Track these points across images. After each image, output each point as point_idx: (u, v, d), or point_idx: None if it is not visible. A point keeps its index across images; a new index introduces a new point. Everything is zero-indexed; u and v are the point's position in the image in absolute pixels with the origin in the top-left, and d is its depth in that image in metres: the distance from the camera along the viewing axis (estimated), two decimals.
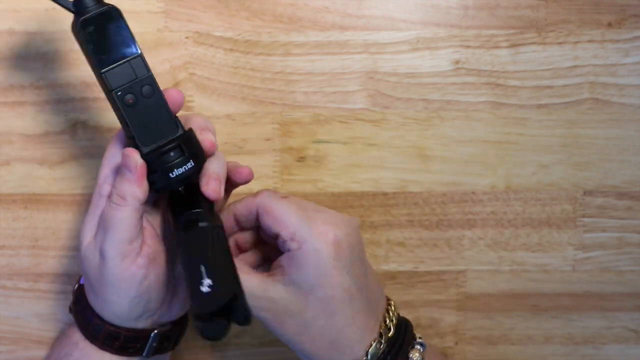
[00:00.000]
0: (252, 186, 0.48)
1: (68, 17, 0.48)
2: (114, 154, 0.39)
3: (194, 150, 0.38)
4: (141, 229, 0.39)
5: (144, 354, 0.42)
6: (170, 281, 0.41)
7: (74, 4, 0.37)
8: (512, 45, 0.49)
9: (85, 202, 0.49)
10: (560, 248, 0.51)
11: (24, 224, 0.49)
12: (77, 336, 0.42)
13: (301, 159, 0.50)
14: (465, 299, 0.51)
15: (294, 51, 0.48)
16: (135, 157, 0.37)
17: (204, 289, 0.34)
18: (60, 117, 0.48)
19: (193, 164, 0.38)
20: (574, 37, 0.49)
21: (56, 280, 0.50)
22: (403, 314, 0.49)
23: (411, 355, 0.40)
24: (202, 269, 0.34)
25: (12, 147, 0.48)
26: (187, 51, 0.48)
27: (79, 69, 0.48)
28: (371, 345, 0.39)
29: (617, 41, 0.49)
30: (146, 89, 0.38)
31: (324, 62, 0.48)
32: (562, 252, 0.51)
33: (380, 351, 0.39)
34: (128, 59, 0.37)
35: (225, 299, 0.34)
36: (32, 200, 0.49)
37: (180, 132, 0.38)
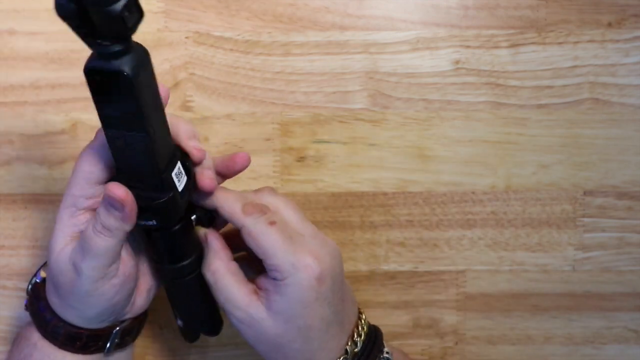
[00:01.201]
0: (253, 186, 0.49)
1: None
2: (90, 162, 0.37)
3: (166, 217, 0.37)
4: (121, 250, 0.38)
5: (105, 351, 0.42)
6: (136, 281, 0.41)
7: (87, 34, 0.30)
8: (512, 45, 0.49)
9: None
10: (560, 248, 0.51)
11: (24, 224, 0.49)
12: (35, 336, 0.41)
13: (301, 159, 0.50)
14: (465, 299, 0.51)
15: (294, 51, 0.48)
16: (122, 196, 0.35)
17: (179, 322, 0.44)
18: (60, 117, 0.48)
19: (156, 223, 0.37)
20: (574, 37, 0.49)
21: None
22: (403, 314, 0.49)
23: None
24: (176, 312, 0.43)
25: (12, 147, 0.48)
26: (187, 51, 0.48)
27: (79, 69, 0.47)
28: None
29: (617, 41, 0.49)
30: (138, 144, 0.34)
31: (324, 62, 0.48)
32: (562, 252, 0.51)
33: None
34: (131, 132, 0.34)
35: (193, 338, 0.45)
36: (32, 200, 0.49)
37: (163, 197, 0.36)
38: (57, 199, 0.49)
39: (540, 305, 0.52)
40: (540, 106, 0.49)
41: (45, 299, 0.41)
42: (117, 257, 0.38)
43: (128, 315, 0.42)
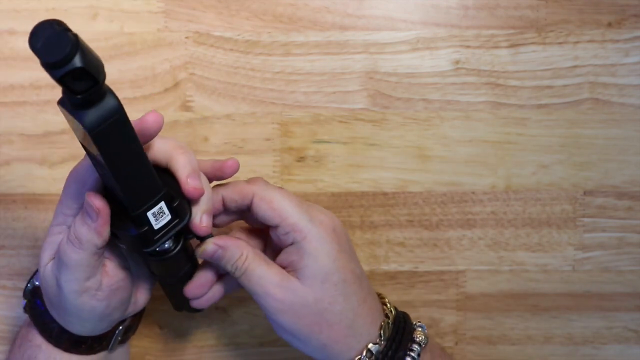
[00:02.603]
0: None
1: (67, 17, 0.48)
2: (78, 180, 0.36)
3: (135, 247, 0.37)
4: (100, 266, 0.37)
5: (109, 349, 0.42)
6: (132, 284, 0.41)
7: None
8: (512, 45, 0.49)
9: None
10: (560, 248, 0.51)
11: (24, 224, 0.49)
12: (38, 339, 0.41)
13: (301, 159, 0.50)
14: (465, 299, 0.51)
15: (294, 51, 0.48)
16: (98, 206, 0.34)
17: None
18: (60, 117, 0.48)
19: (125, 248, 0.38)
20: (574, 37, 0.49)
21: None
22: None
23: (416, 335, 0.42)
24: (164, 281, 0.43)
25: (12, 147, 0.48)
26: (187, 51, 0.48)
27: None
28: (382, 325, 0.41)
29: (617, 41, 0.49)
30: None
31: (324, 62, 0.48)
32: (562, 252, 0.51)
33: (389, 331, 0.41)
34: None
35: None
36: (32, 200, 0.49)
37: (133, 232, 0.36)
38: (57, 199, 0.49)
39: (540, 305, 0.52)
40: (540, 106, 0.49)
41: (44, 306, 0.40)
42: (93, 271, 0.37)
43: (130, 314, 0.42)
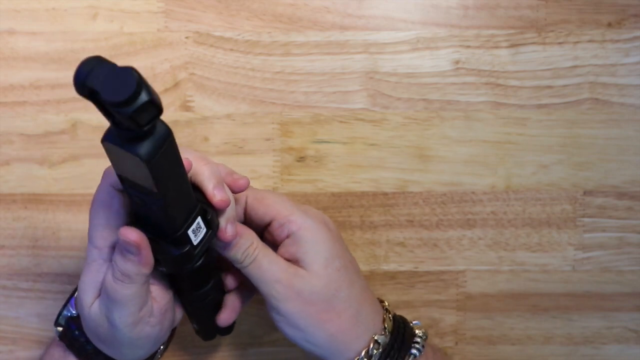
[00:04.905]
0: (253, 185, 0.48)
1: (67, 17, 0.49)
2: (103, 209, 0.36)
3: (178, 268, 0.37)
4: (149, 293, 0.37)
5: None
6: (175, 308, 0.41)
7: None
8: (512, 45, 0.49)
9: (85, 202, 0.49)
10: (560, 248, 0.51)
11: (24, 224, 0.49)
12: None
13: (301, 159, 0.50)
14: (465, 299, 0.51)
15: (294, 51, 0.48)
16: (136, 240, 0.34)
17: (194, 326, 0.45)
18: (60, 117, 0.48)
19: (166, 271, 0.38)
20: (574, 37, 0.49)
21: (56, 280, 0.50)
22: (403, 314, 0.49)
23: (416, 331, 0.43)
24: (193, 320, 0.44)
25: (12, 147, 0.48)
26: (187, 51, 0.48)
27: None
28: (384, 318, 0.41)
29: (617, 41, 0.49)
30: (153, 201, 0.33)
31: (324, 62, 0.48)
32: (562, 252, 0.51)
33: (391, 324, 0.41)
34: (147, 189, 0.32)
35: (209, 338, 0.46)
36: (32, 200, 0.49)
37: (177, 252, 0.36)
38: (57, 199, 0.49)
39: (540, 305, 0.52)
40: (540, 106, 0.49)
41: (85, 337, 0.40)
42: (145, 301, 0.37)
43: (169, 333, 0.42)
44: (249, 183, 0.40)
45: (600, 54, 0.49)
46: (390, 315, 0.42)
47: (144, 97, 0.26)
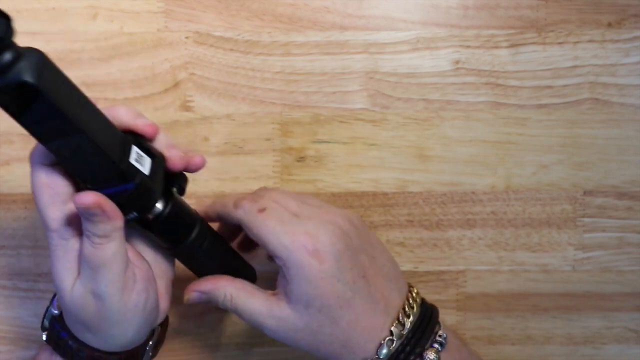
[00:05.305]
0: (253, 186, 0.49)
1: (67, 17, 0.49)
2: (46, 189, 0.35)
3: (144, 203, 0.37)
4: (127, 255, 0.37)
5: None
6: (156, 282, 0.41)
7: None
8: (512, 45, 0.49)
9: None
10: (560, 248, 0.51)
11: (24, 224, 0.49)
12: None
13: (301, 159, 0.50)
14: (465, 299, 0.51)
15: (294, 51, 0.48)
16: (93, 201, 0.34)
17: None
18: None
19: (137, 214, 0.37)
20: (574, 37, 0.49)
21: None
22: None
23: (426, 355, 0.40)
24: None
25: (12, 147, 0.48)
26: (187, 51, 0.48)
27: (79, 68, 0.48)
28: (381, 344, 0.39)
29: (617, 41, 0.49)
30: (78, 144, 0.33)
31: (324, 62, 0.48)
32: (562, 252, 0.51)
33: (394, 349, 0.39)
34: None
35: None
36: (32, 200, 0.49)
37: (131, 186, 0.35)
38: None
39: (540, 305, 0.52)
40: (540, 106, 0.49)
41: (72, 336, 0.39)
42: (126, 259, 0.37)
43: (158, 322, 0.42)
44: (203, 164, 0.40)
45: (600, 54, 0.49)
46: (392, 338, 0.39)
47: None
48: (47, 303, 0.50)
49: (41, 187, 0.35)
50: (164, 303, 0.41)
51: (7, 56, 0.28)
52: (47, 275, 0.50)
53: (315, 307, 0.38)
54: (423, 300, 0.42)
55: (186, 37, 0.48)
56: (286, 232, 0.38)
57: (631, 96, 0.49)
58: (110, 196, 0.35)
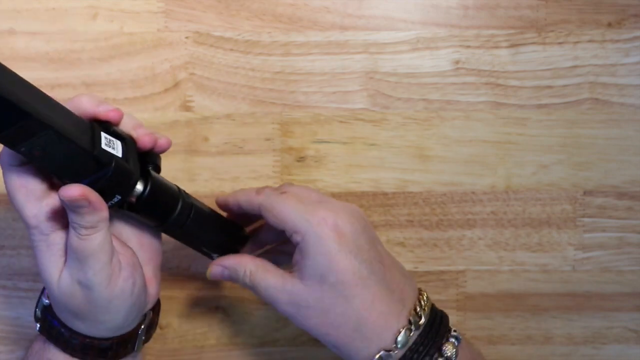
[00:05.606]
0: (253, 186, 0.48)
1: (67, 17, 0.48)
2: (20, 189, 0.36)
3: (124, 185, 0.37)
4: (112, 243, 0.38)
5: (135, 349, 0.42)
6: (142, 268, 0.41)
7: None
8: (512, 45, 0.49)
9: None
10: (560, 248, 0.51)
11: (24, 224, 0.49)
12: (60, 356, 0.41)
13: (301, 159, 0.50)
14: (465, 299, 0.51)
15: (294, 51, 0.48)
16: (79, 193, 0.34)
17: (214, 256, 0.44)
18: None
19: (120, 198, 0.37)
20: (574, 37, 0.49)
21: None
22: None
23: (444, 348, 0.39)
24: (206, 250, 0.44)
25: None
26: (187, 51, 0.48)
27: (79, 68, 0.48)
28: (400, 332, 0.38)
29: (617, 41, 0.49)
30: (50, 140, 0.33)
31: (324, 62, 0.48)
32: (562, 252, 0.51)
33: (411, 340, 0.38)
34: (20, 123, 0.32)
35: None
36: None
37: (109, 170, 0.36)
38: None
39: (540, 305, 0.52)
40: (540, 106, 0.49)
41: (63, 324, 0.40)
42: (112, 248, 0.37)
43: (149, 307, 0.42)
44: (169, 146, 0.40)
45: (600, 54, 0.49)
46: (411, 327, 0.39)
47: None
48: None
49: (15, 188, 0.36)
50: (152, 288, 0.42)
51: None
52: None
53: (329, 283, 0.38)
54: (433, 304, 0.42)
55: (186, 37, 0.48)
56: (307, 209, 0.39)
57: (631, 96, 0.49)
58: (90, 185, 0.35)
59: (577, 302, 0.52)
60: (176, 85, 0.48)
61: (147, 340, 0.44)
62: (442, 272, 0.51)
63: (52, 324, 0.40)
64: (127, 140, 0.38)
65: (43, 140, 0.33)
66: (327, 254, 0.38)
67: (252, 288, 0.41)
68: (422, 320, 0.39)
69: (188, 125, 0.49)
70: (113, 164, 0.36)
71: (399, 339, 0.38)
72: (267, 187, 0.42)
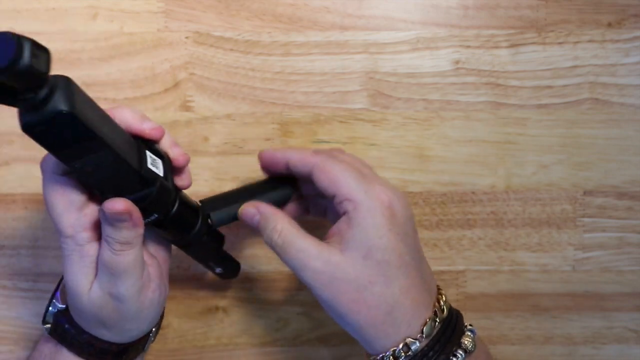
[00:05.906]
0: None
1: (67, 17, 0.48)
2: (61, 198, 0.36)
3: (164, 204, 0.38)
4: (143, 257, 0.39)
5: (144, 350, 0.44)
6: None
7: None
8: (512, 45, 0.49)
9: None
10: (560, 248, 0.51)
11: (24, 224, 0.49)
12: (72, 358, 0.41)
13: None
14: (465, 299, 0.51)
15: (294, 51, 0.48)
16: (123, 207, 0.35)
17: (217, 270, 0.47)
18: None
19: (157, 216, 0.38)
20: (574, 37, 0.49)
21: (56, 280, 0.50)
22: None
23: (464, 340, 0.39)
24: (212, 264, 0.46)
25: (12, 147, 0.48)
26: (187, 51, 0.48)
27: (79, 69, 0.48)
28: (427, 322, 0.38)
29: (617, 41, 0.49)
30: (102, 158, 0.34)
31: (324, 62, 0.48)
32: (562, 252, 0.51)
33: (435, 330, 0.38)
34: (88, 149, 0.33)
35: (234, 275, 0.49)
36: (32, 200, 0.49)
37: (153, 190, 0.36)
38: None
39: (540, 305, 0.52)
40: (540, 106, 0.49)
41: (81, 329, 0.40)
42: (143, 263, 0.38)
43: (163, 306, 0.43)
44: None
45: (600, 54, 0.49)
46: (436, 319, 0.38)
47: (26, 55, 0.27)
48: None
49: (56, 196, 0.36)
50: (163, 290, 0.43)
51: (45, 91, 0.29)
52: (47, 275, 0.50)
53: (375, 259, 0.37)
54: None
55: (186, 37, 0.48)
56: (365, 180, 0.38)
57: (631, 96, 0.49)
58: (134, 202, 0.36)
59: (577, 302, 0.52)
60: (176, 85, 0.48)
61: (153, 340, 0.45)
62: (442, 272, 0.51)
63: (64, 328, 0.40)
64: (165, 159, 0.38)
65: (98, 157, 0.33)
66: (379, 229, 0.37)
67: (279, 247, 0.38)
68: (445, 313, 0.39)
69: (188, 125, 0.49)
70: (158, 184, 0.36)
71: (425, 328, 0.38)
72: (322, 149, 0.42)
